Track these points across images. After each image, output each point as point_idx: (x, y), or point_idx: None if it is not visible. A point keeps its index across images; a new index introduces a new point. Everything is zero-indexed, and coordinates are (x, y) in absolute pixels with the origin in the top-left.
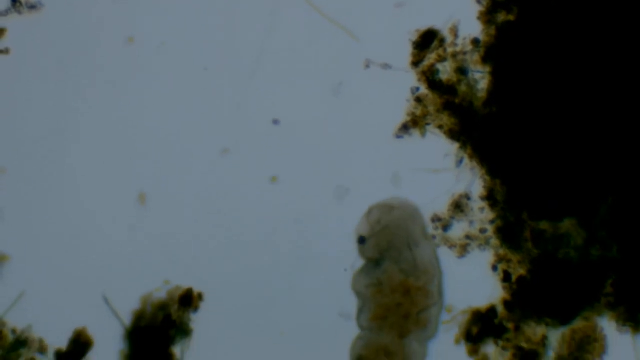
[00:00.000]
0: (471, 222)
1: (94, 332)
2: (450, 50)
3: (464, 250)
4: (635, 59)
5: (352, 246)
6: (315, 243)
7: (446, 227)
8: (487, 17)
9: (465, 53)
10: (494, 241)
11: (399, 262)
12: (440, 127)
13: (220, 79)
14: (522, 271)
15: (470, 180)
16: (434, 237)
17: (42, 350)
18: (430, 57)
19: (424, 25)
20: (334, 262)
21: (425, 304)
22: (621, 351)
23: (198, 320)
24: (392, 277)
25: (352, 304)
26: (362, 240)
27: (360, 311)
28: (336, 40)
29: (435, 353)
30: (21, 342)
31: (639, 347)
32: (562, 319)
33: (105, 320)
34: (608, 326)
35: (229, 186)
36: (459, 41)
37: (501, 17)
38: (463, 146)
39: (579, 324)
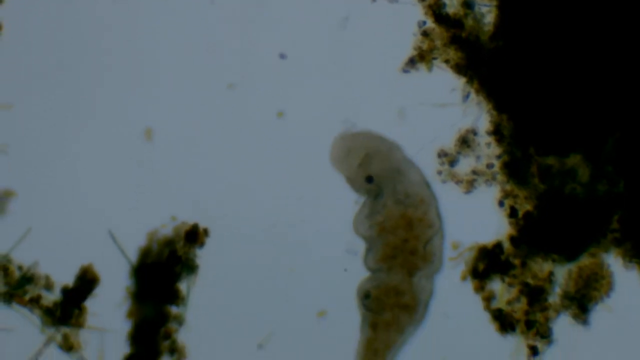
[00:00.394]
0: (478, 158)
1: (100, 269)
2: None
3: (470, 185)
4: None
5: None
6: (322, 178)
7: (453, 163)
8: None
9: None
10: (501, 176)
11: (394, 194)
12: (446, 61)
13: (226, 13)
14: (528, 207)
15: (477, 115)
16: (440, 172)
17: (48, 286)
18: None
19: None
20: (342, 196)
21: (428, 234)
22: (628, 288)
23: (204, 256)
24: (391, 211)
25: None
26: (370, 180)
27: (367, 252)
28: None
29: (442, 288)
30: (27, 279)
31: None
32: (569, 255)
33: (112, 256)
34: (614, 262)
35: (235, 121)
36: None
37: None
38: (470, 81)
39: (585, 260)
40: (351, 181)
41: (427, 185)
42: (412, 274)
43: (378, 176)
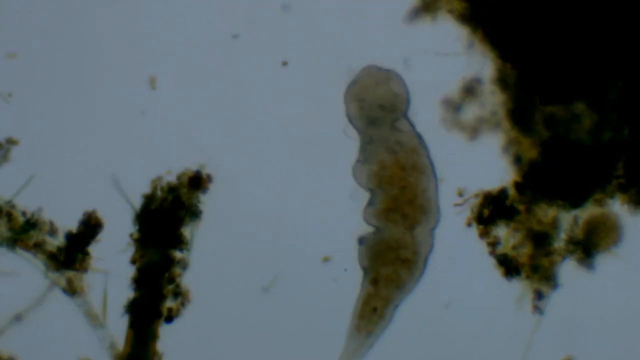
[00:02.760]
0: (482, 105)
1: (104, 215)
2: None
3: (474, 132)
4: None
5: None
6: (326, 125)
7: (457, 110)
8: None
9: None
10: (505, 123)
11: (385, 140)
12: (450, 11)
13: None
14: (532, 154)
15: (481, 63)
16: (444, 120)
17: (52, 232)
18: None
19: None
20: (346, 141)
21: (423, 181)
22: (632, 233)
23: (207, 202)
24: (384, 160)
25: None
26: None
27: (368, 205)
28: None
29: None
30: (31, 224)
31: None
32: (573, 201)
33: (115, 203)
34: (620, 209)
35: (239, 71)
36: None
37: None
38: (474, 30)
39: (590, 207)
40: (356, 118)
41: (417, 133)
42: (412, 227)
43: (377, 117)
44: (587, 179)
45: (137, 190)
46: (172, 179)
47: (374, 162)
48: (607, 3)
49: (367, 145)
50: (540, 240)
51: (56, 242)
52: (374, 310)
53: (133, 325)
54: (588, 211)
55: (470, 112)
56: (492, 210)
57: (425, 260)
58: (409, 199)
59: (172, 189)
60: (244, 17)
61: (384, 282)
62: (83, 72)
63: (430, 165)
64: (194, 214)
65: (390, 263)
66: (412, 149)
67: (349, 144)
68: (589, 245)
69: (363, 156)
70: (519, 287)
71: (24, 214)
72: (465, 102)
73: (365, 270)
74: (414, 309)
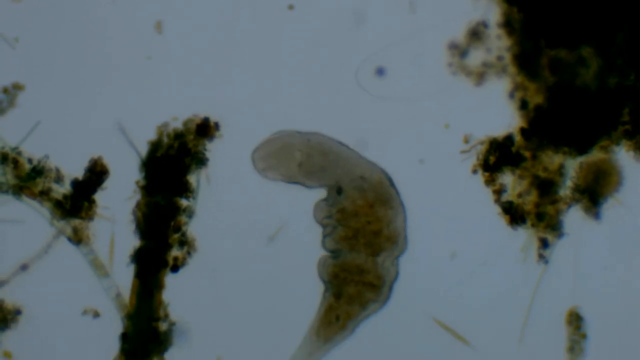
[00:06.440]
0: (488, 50)
1: (110, 162)
2: None
3: (480, 78)
4: None
5: None
6: (331, 71)
7: (463, 55)
8: None
9: None
10: (511, 68)
11: (351, 181)
12: None
13: None
14: (539, 99)
15: (487, 7)
16: (450, 65)
17: (58, 179)
18: None
19: None
20: (351, 88)
21: (389, 215)
22: (638, 180)
23: (213, 149)
24: (352, 197)
25: None
26: (339, 191)
27: (325, 237)
28: None
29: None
30: (37, 171)
31: None
32: (579, 148)
33: (121, 150)
34: (625, 156)
35: (245, 14)
36: None
37: None
38: None
39: (596, 153)
40: (297, 179)
41: (373, 164)
42: (375, 253)
43: (324, 168)
44: (593, 125)
45: (143, 137)
46: (178, 125)
47: (340, 202)
48: None
49: (338, 194)
50: (546, 187)
51: (62, 189)
52: (336, 319)
53: (139, 274)
54: (590, 158)
55: (476, 57)
56: (498, 156)
57: (391, 288)
58: (374, 232)
59: (178, 136)
60: None
61: (347, 299)
62: (89, 16)
63: (397, 198)
64: (200, 161)
65: (354, 284)
66: (378, 180)
67: (359, 89)
68: (593, 192)
69: (332, 201)
70: (524, 236)
71: (30, 161)
72: (471, 47)
73: (327, 284)
74: (419, 259)
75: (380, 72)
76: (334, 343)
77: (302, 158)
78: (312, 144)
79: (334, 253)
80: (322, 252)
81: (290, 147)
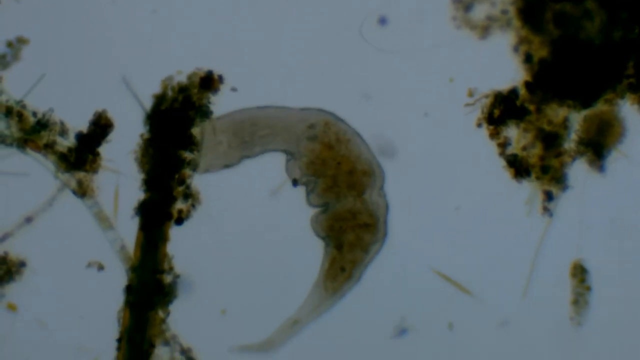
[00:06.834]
0: (492, 4)
1: (114, 115)
2: None
3: (485, 31)
4: None
5: None
6: (335, 29)
7: (467, 8)
8: None
9: None
10: (516, 22)
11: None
12: None
13: None
14: (543, 53)
15: None
16: (454, 18)
17: (63, 132)
18: None
19: None
20: (356, 47)
21: (352, 148)
22: None
23: (217, 102)
24: (309, 148)
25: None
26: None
27: (309, 194)
28: None
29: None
30: (42, 124)
31: None
32: (584, 101)
33: (126, 103)
34: (630, 110)
35: None
36: None
37: None
38: None
39: (600, 107)
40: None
41: (310, 109)
42: (361, 193)
43: (262, 136)
44: (598, 79)
45: (148, 90)
46: (182, 79)
47: (303, 154)
48: None
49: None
50: (551, 140)
51: (66, 142)
52: (341, 270)
53: (143, 227)
54: (594, 110)
55: (481, 11)
56: (502, 110)
57: (385, 221)
58: (348, 171)
59: (182, 89)
60: None
61: (348, 247)
62: None
63: (349, 128)
64: (204, 114)
65: (351, 229)
66: (324, 122)
67: (364, 47)
68: (597, 144)
69: (292, 155)
70: (529, 189)
71: (34, 114)
72: (475, 1)
73: (325, 239)
74: (423, 213)
75: (382, 21)
76: (341, 294)
77: (228, 138)
78: (227, 121)
79: (323, 207)
80: (312, 210)
81: (210, 137)
